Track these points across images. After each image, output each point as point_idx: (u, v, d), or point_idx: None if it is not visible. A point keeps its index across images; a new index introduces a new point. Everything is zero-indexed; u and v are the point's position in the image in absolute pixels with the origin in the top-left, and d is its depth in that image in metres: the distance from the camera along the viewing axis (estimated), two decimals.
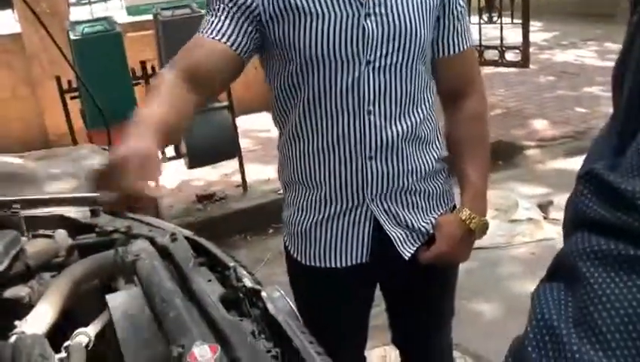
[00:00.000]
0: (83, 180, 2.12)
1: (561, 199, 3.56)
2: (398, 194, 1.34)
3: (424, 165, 1.35)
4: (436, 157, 1.38)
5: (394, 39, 1.23)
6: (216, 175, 4.22)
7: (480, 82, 1.41)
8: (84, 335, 0.96)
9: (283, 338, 0.88)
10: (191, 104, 1.19)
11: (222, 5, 1.23)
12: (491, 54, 5.59)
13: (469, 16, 3.53)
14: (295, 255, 1.43)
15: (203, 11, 3.71)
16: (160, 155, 1.13)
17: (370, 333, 1.61)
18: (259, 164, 4.27)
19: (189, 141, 3.59)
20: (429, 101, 1.34)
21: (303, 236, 1.39)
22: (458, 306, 1.61)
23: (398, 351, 1.67)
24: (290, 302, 1.02)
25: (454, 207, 1.45)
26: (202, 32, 1.24)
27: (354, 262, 1.37)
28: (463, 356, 2.00)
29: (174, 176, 4.13)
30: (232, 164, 4.05)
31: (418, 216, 1.37)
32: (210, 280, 1.05)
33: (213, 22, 1.22)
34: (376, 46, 1.23)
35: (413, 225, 1.36)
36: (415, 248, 1.37)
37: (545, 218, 3.46)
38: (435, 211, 1.40)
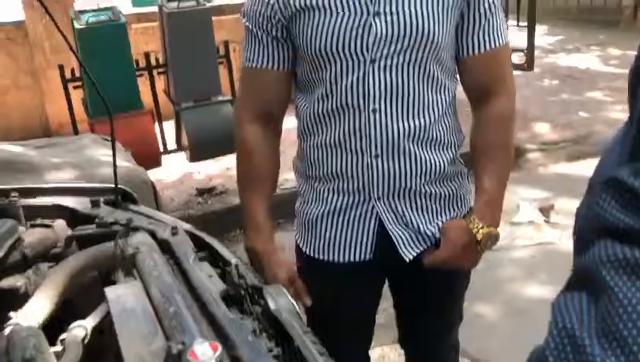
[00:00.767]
0: (84, 170, 2.11)
1: (562, 203, 3.54)
2: (405, 194, 1.31)
3: (436, 167, 1.31)
4: (450, 159, 1.34)
5: (402, 39, 1.20)
6: (217, 168, 4.19)
7: (509, 83, 1.34)
8: (81, 328, 0.94)
9: (285, 337, 0.86)
10: (276, 144, 1.41)
11: (250, 30, 1.30)
12: None
13: None
14: (302, 246, 1.42)
15: (208, 4, 3.69)
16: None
17: None
18: None
19: (192, 134, 3.57)
20: (443, 102, 1.30)
21: (310, 226, 1.40)
22: None
23: (397, 352, 1.66)
24: (293, 300, 1.00)
25: (469, 212, 1.40)
26: (247, 65, 1.34)
27: (356, 259, 1.36)
28: (463, 358, 1.99)
29: (176, 169, 4.11)
30: (232, 158, 4.02)
31: (425, 218, 1.34)
32: (211, 276, 1.03)
33: (251, 50, 1.32)
34: (383, 45, 1.21)
35: (419, 227, 1.34)
36: (419, 251, 1.35)
37: (546, 221, 3.44)
38: (444, 215, 1.36)
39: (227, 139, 3.79)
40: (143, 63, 3.60)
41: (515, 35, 5.55)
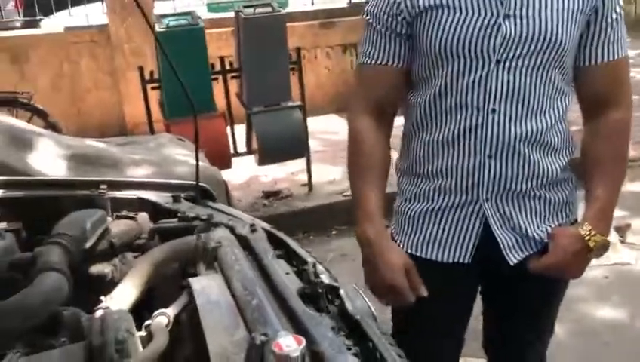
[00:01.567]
0: (162, 167, 2.19)
1: (639, 222, 3.40)
2: (515, 196, 1.30)
3: (548, 172, 1.30)
4: (562, 166, 1.33)
5: (530, 43, 1.21)
6: (283, 173, 4.25)
7: (627, 95, 1.33)
8: (164, 316, 0.97)
9: (362, 337, 0.87)
10: (387, 139, 1.38)
11: (372, 27, 1.32)
12: None
13: None
14: (399, 242, 1.41)
15: (283, 10, 3.76)
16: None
17: None
18: (325, 164, 4.28)
19: (261, 138, 3.64)
20: (560, 109, 1.30)
21: (410, 223, 1.39)
22: None
23: None
24: (368, 302, 1.00)
25: (575, 221, 1.38)
26: (365, 61, 1.35)
27: (456, 259, 1.34)
28: None
29: (244, 171, 4.19)
30: (299, 163, 4.07)
31: (533, 222, 1.32)
32: (288, 273, 1.05)
33: (371, 46, 1.33)
34: (510, 47, 1.22)
35: (526, 230, 1.31)
36: (524, 255, 1.32)
37: (622, 241, 3.30)
38: (552, 220, 1.34)
39: (295, 144, 3.87)
40: (217, 67, 3.70)
41: None
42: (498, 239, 1.31)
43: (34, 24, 5.56)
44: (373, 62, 1.33)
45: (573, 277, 1.38)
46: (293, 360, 0.71)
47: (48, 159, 2.00)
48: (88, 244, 1.12)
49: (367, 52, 1.34)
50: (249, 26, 3.46)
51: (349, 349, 0.82)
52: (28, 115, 4.13)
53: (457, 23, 1.22)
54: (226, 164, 3.61)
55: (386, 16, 1.29)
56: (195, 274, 1.11)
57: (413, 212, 1.37)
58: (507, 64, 1.22)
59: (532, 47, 1.21)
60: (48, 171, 1.93)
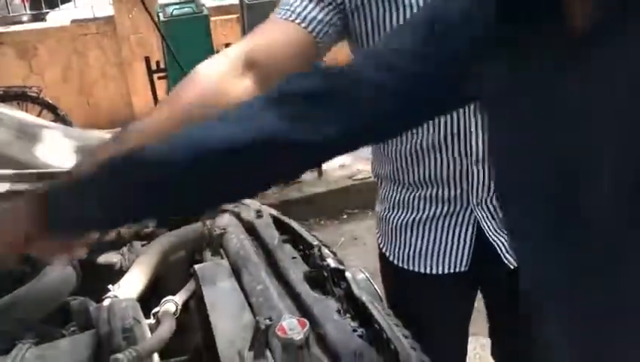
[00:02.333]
0: None
1: None
2: None
3: None
4: None
5: None
6: None
7: None
8: (172, 303, 0.98)
9: (368, 319, 0.87)
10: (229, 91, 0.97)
11: None
12: None
13: None
14: (387, 254, 1.35)
15: None
16: None
17: None
18: None
19: None
20: None
21: (396, 234, 1.27)
22: None
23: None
24: (375, 284, 1.01)
25: None
26: (277, 13, 1.06)
27: (451, 270, 1.26)
28: None
29: None
30: None
31: None
32: (294, 258, 1.05)
33: (290, 2, 1.04)
34: None
35: None
36: None
37: None
38: None
39: None
40: None
41: None
42: (495, 243, 1.24)
43: (40, 18, 5.57)
44: (283, 16, 1.02)
45: None
46: (297, 344, 0.71)
47: (56, 151, 2.02)
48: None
49: (283, 9, 1.03)
50: (253, 13, 3.44)
51: (355, 331, 0.82)
52: (38, 109, 4.16)
53: None
54: None
55: None
56: (201, 261, 1.12)
57: (398, 222, 1.25)
58: None
59: None
60: (56, 163, 1.94)
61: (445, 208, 1.17)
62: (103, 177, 0.65)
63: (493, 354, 1.49)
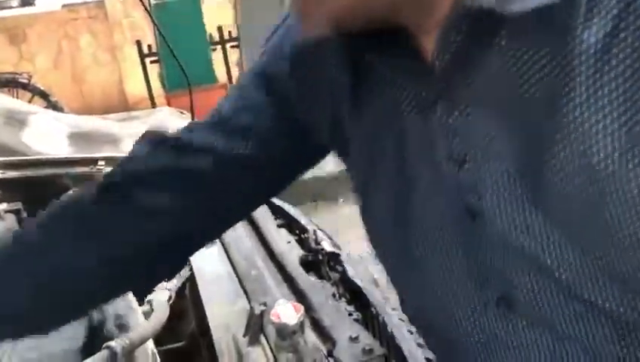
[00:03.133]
0: None
1: None
2: None
3: None
4: None
5: None
6: None
7: None
8: (166, 291, 0.97)
9: (364, 303, 0.86)
10: None
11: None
12: None
13: None
14: None
15: None
16: None
17: None
18: None
19: None
20: None
21: None
22: None
23: None
24: (370, 268, 1.00)
25: None
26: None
27: None
28: None
29: None
30: None
31: None
32: (289, 242, 1.04)
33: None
34: None
35: None
36: None
37: None
38: None
39: None
40: (216, 38, 3.66)
41: None
42: None
43: (30, 2, 5.50)
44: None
45: None
46: (292, 328, 0.70)
47: (46, 138, 2.00)
48: None
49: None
50: None
51: (350, 315, 0.81)
52: (28, 95, 4.12)
53: None
54: None
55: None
56: None
57: None
58: None
59: None
60: (46, 150, 1.92)
61: None
62: None
63: None
